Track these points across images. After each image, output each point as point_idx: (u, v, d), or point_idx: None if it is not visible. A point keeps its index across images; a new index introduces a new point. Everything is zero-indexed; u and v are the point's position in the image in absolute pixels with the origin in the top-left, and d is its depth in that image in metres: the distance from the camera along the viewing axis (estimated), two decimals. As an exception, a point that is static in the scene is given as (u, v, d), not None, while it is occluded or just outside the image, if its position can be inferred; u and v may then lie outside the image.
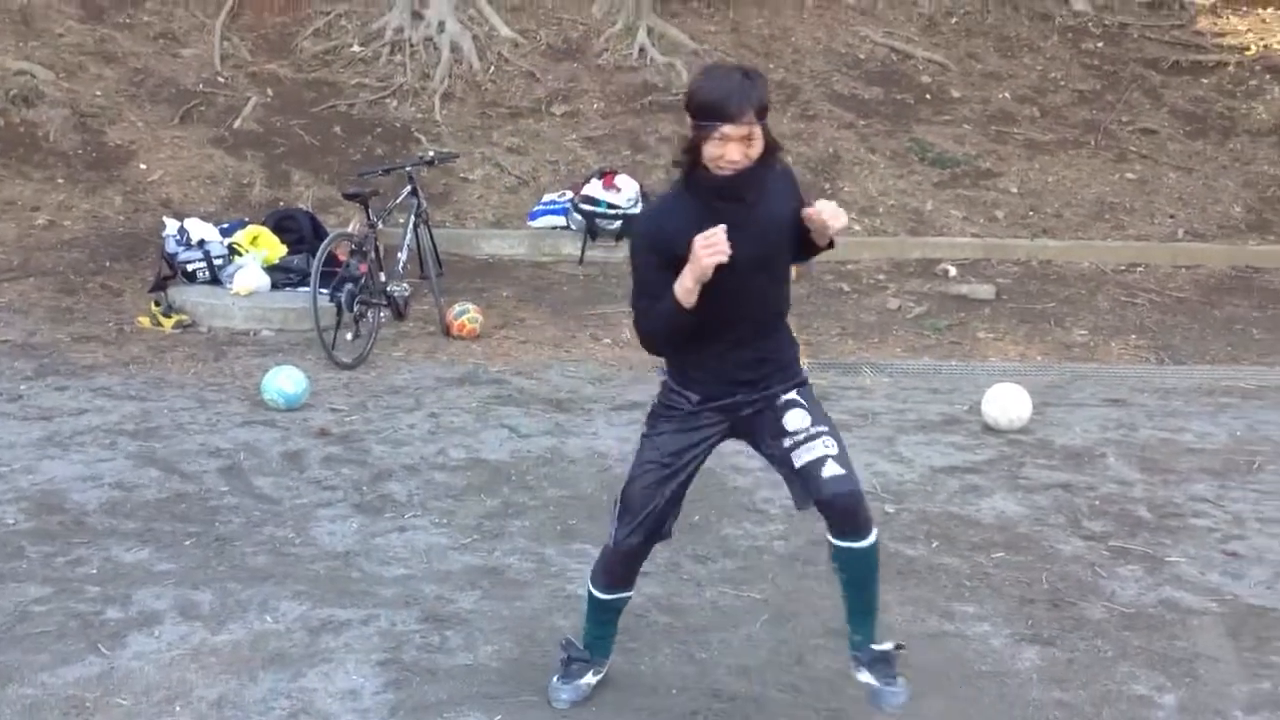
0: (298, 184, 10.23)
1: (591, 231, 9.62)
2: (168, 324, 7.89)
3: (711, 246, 3.02)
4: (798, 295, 9.75)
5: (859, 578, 3.38)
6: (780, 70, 12.21)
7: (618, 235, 9.59)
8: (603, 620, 3.63)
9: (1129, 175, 11.25)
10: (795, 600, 4.40)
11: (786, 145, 10.72)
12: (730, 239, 3.05)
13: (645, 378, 7.19)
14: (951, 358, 8.10)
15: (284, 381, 6.38)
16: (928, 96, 12.17)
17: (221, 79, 11.33)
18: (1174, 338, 8.62)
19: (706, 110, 3.08)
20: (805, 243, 3.34)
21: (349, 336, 7.38)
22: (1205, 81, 12.73)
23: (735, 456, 5.24)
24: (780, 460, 3.34)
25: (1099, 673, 3.94)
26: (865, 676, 3.42)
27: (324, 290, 7.31)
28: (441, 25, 12.04)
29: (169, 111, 10.77)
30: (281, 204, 9.76)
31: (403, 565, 4.57)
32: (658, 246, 3.20)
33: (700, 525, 4.99)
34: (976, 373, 7.62)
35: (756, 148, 3.12)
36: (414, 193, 8.21)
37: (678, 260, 3.12)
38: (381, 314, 7.66)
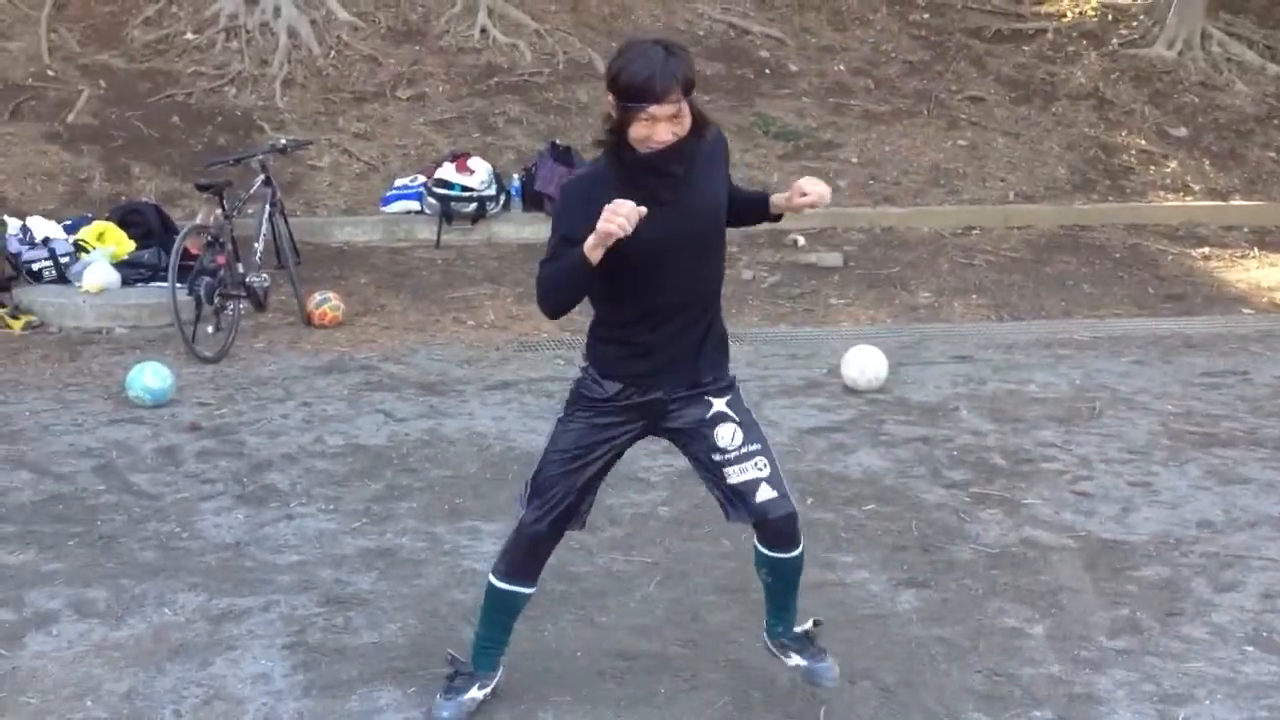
0: (139, 177, 10.00)
1: (447, 215, 9.63)
2: (16, 325, 7.68)
3: (614, 218, 2.89)
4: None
5: (784, 581, 3.46)
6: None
7: (473, 218, 9.65)
8: (497, 620, 3.49)
9: (960, 142, 11.71)
10: (685, 561, 4.58)
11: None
12: (659, 216, 2.99)
13: (513, 358, 7.29)
14: (806, 324, 8.38)
15: (149, 378, 6.30)
16: (767, 71, 12.46)
17: (51, 72, 10.98)
18: (1011, 295, 9.05)
19: (632, 92, 2.97)
20: (750, 213, 3.39)
21: (210, 330, 7.29)
22: (1026, 49, 13.29)
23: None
24: (709, 472, 3.32)
25: (972, 609, 4.21)
26: (795, 660, 3.47)
27: (181, 284, 7.21)
28: (277, 10, 11.85)
29: (-2, 107, 10.41)
30: (124, 198, 9.52)
31: (295, 552, 4.60)
32: (586, 214, 3.00)
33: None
34: (831, 338, 7.90)
35: (684, 124, 3.04)
36: (267, 181, 8.12)
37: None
38: (241, 305, 7.59)
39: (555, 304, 3.16)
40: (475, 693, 3.45)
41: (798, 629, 3.51)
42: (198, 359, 7.09)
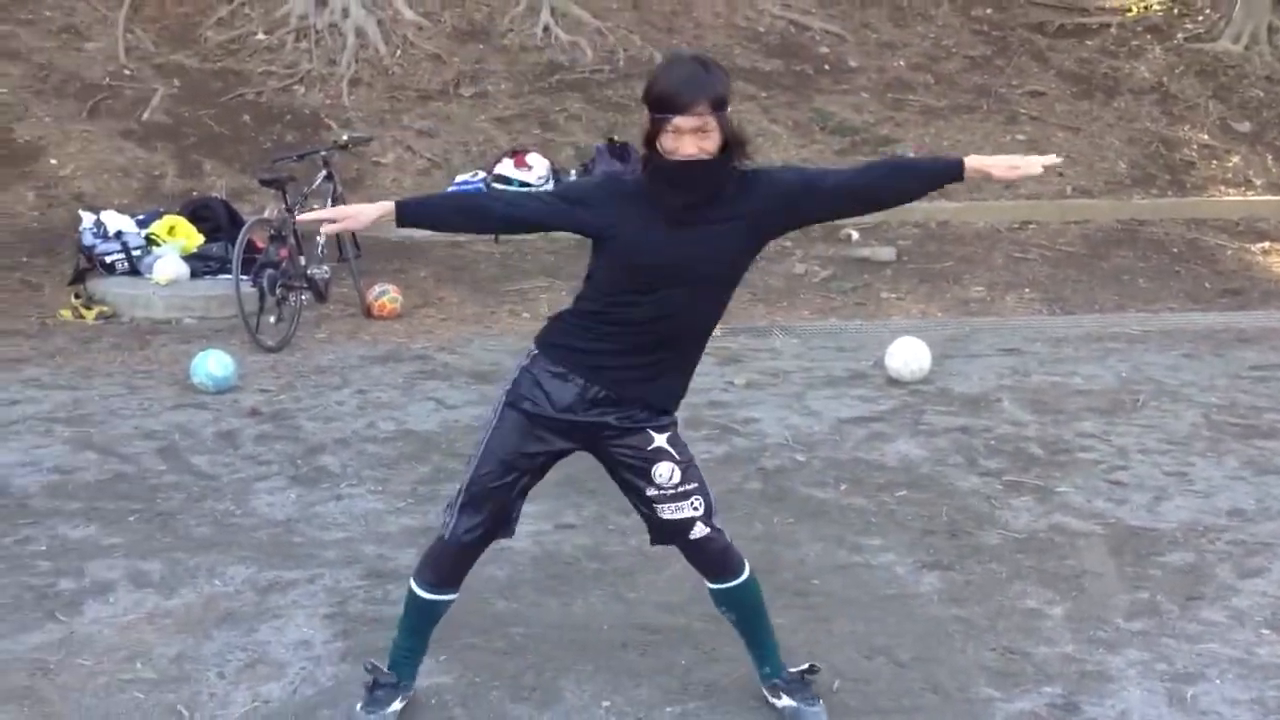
0: (210, 173, 10.33)
1: (505, 209, 9.82)
2: (90, 316, 7.99)
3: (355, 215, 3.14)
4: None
5: (745, 614, 3.42)
6: (683, 45, 12.49)
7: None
8: (417, 628, 3.42)
9: (1019, 136, 11.71)
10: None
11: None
12: (669, 243, 3.02)
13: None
14: (856, 318, 8.47)
15: (212, 365, 6.55)
16: (826, 67, 12.54)
17: (127, 71, 11.36)
18: (1065, 289, 9.07)
19: (660, 102, 2.98)
20: (907, 190, 3.26)
21: (272, 320, 7.54)
22: (1089, 43, 13.25)
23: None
24: (641, 502, 3.29)
25: (994, 591, 4.30)
26: (784, 701, 3.42)
27: (245, 276, 7.47)
28: (346, 11, 12.15)
29: (76, 106, 10.79)
30: (195, 193, 9.85)
31: (342, 530, 4.80)
32: (603, 201, 3.09)
33: (623, 480, 5.27)
34: (880, 331, 7.98)
35: (712, 141, 2.98)
36: (329, 177, 8.37)
37: (595, 228, 3.09)
38: (303, 297, 7.83)
39: (462, 217, 3.26)
40: (397, 705, 3.40)
41: (792, 669, 3.47)
42: (260, 348, 7.34)
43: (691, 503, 3.24)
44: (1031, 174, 3.22)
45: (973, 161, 3.19)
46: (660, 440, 3.22)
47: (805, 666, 3.49)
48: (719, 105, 2.98)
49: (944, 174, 3.24)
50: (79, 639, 3.87)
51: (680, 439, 3.28)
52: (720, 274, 3.15)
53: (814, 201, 3.17)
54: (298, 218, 3.47)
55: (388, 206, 3.12)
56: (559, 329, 3.24)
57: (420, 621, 3.42)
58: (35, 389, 6.55)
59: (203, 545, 4.61)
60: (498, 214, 3.22)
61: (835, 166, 10.81)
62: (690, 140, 2.97)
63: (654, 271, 3.06)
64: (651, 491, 3.23)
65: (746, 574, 3.37)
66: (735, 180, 3.09)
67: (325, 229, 3.24)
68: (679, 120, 2.95)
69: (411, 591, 3.38)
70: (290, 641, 3.88)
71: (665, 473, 3.21)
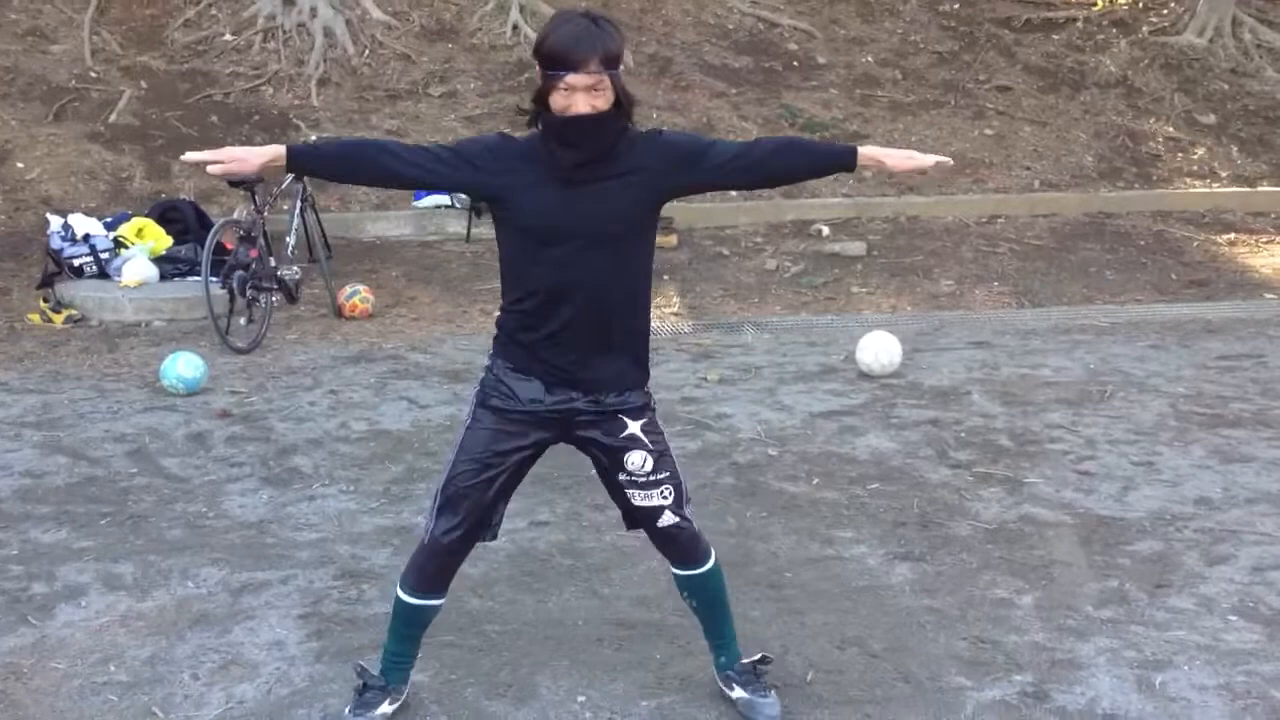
0: (178, 175, 10.27)
1: (476, 209, 9.83)
2: (58, 319, 7.95)
3: (232, 158, 3.04)
4: (679, 262, 10.04)
5: (707, 600, 3.43)
6: (653, 43, 12.51)
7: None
8: (407, 635, 3.41)
9: (987, 131, 11.78)
10: (688, 537, 4.72)
11: (662, 116, 11.05)
12: (564, 202, 3.01)
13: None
14: (827, 313, 8.51)
15: (182, 367, 6.53)
16: (795, 64, 12.58)
17: (93, 74, 11.29)
18: (1033, 282, 9.14)
19: (552, 59, 2.93)
20: (809, 167, 3.30)
21: (243, 321, 7.53)
22: (1056, 38, 13.34)
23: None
24: (613, 488, 3.31)
25: (964, 581, 4.33)
26: (738, 693, 3.44)
27: (215, 278, 7.44)
28: (314, 11, 12.11)
29: (42, 109, 10.72)
30: (163, 195, 9.81)
31: (315, 530, 4.79)
32: (490, 160, 3.06)
33: (597, 478, 5.28)
34: (851, 325, 8.03)
35: (605, 99, 2.96)
36: (298, 177, 8.34)
37: (489, 189, 3.07)
38: (274, 298, 7.81)
39: (324, 160, 3.18)
40: (386, 707, 3.39)
41: (744, 660, 3.48)
42: (231, 350, 7.32)
43: (661, 491, 3.25)
44: (924, 167, 3.22)
45: (867, 150, 3.21)
46: (634, 427, 3.22)
47: (758, 657, 3.49)
48: (611, 63, 2.96)
49: (834, 158, 3.25)
50: (52, 642, 3.86)
51: (657, 425, 3.29)
52: (618, 232, 3.09)
53: (706, 166, 3.13)
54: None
55: (279, 150, 3.07)
56: (501, 327, 3.24)
57: (408, 628, 3.40)
58: (4, 393, 6.51)
59: (175, 547, 4.60)
60: (383, 166, 3.10)
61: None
62: (583, 98, 2.94)
63: (551, 232, 3.04)
64: (622, 477, 3.24)
65: (712, 563, 3.38)
66: (628, 139, 3.07)
67: (211, 169, 3.09)
68: (571, 78, 2.92)
69: (398, 598, 3.37)
70: (264, 642, 3.87)
71: (638, 460, 3.22)
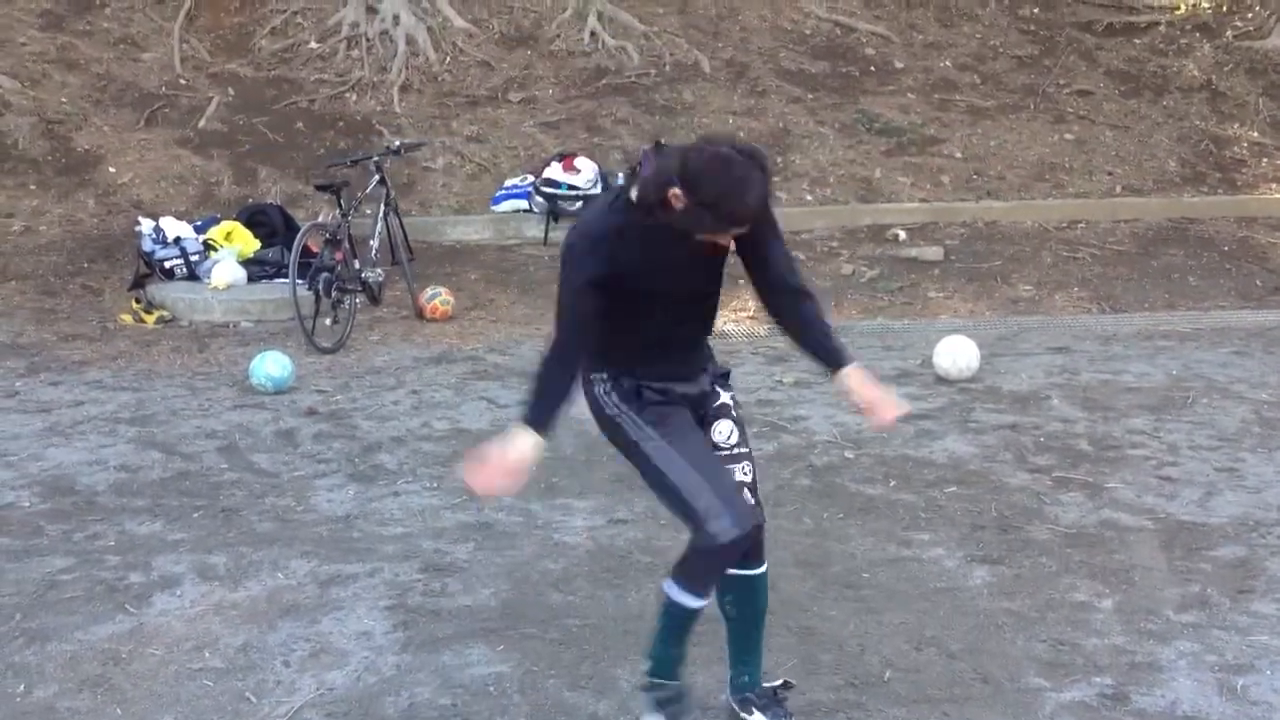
0: (264, 180, 10.50)
1: (554, 213, 9.95)
2: (150, 320, 8.16)
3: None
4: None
5: (751, 610, 3.36)
6: (729, 49, 12.56)
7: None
8: (684, 636, 3.34)
9: (1067, 136, 11.68)
10: (768, 537, 4.72)
11: (738, 122, 11.10)
12: (673, 272, 3.07)
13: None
14: (904, 317, 8.50)
15: (270, 366, 6.69)
16: (872, 68, 12.56)
17: (183, 81, 11.57)
18: (1115, 288, 9.05)
19: (732, 218, 2.93)
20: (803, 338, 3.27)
21: (328, 323, 7.69)
22: (1138, 42, 13.19)
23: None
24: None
25: (1043, 584, 4.33)
26: (755, 716, 3.36)
27: (301, 280, 7.62)
28: (396, 19, 12.31)
29: (133, 115, 11.00)
30: (251, 200, 10.03)
31: (400, 525, 4.90)
32: (602, 274, 3.03)
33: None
34: (928, 330, 8.01)
35: None
36: (382, 181, 8.51)
37: (617, 281, 3.04)
38: (358, 300, 7.97)
39: (544, 382, 3.11)
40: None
41: (766, 684, 3.41)
42: (316, 350, 7.48)
43: (743, 467, 3.26)
44: (885, 422, 3.17)
45: (852, 372, 3.17)
46: (725, 396, 3.32)
47: (779, 683, 3.43)
48: None
49: (824, 353, 3.22)
50: (149, 630, 3.99)
51: (736, 399, 3.37)
52: (718, 283, 3.24)
53: (752, 256, 3.23)
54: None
55: (529, 442, 3.04)
56: (603, 374, 3.24)
57: (685, 633, 3.34)
58: (99, 390, 6.72)
59: (266, 540, 4.73)
60: (596, 330, 3.10)
61: (876, 170, 10.88)
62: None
63: (668, 303, 3.12)
64: (714, 442, 3.25)
65: (766, 565, 3.34)
66: None
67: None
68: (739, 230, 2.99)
69: (685, 607, 3.25)
70: (352, 632, 3.98)
71: (725, 430, 3.27)
